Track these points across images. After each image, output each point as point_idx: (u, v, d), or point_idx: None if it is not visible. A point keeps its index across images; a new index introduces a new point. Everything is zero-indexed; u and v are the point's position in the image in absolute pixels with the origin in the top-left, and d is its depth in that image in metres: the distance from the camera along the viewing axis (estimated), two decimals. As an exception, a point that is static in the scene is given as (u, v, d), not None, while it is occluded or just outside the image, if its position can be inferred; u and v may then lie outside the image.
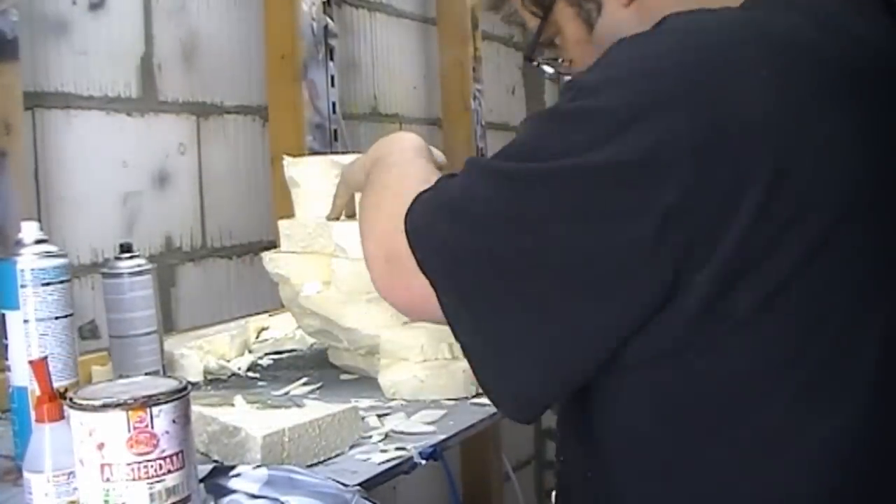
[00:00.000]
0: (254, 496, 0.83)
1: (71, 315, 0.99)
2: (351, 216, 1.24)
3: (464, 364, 1.01)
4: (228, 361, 1.40)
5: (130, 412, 0.68)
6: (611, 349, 0.73)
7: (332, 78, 1.91)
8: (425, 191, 0.81)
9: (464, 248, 0.75)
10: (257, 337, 1.57)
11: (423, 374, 1.19)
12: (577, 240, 0.70)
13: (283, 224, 1.37)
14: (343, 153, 1.81)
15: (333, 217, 1.24)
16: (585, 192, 0.70)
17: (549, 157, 0.72)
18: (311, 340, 1.47)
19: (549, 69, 1.00)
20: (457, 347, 0.86)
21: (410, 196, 0.82)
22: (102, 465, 0.69)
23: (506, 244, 0.73)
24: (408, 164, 0.97)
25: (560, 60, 0.98)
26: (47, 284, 0.96)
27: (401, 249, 0.79)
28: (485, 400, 1.08)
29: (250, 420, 0.98)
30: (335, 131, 1.91)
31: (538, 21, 0.93)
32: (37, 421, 0.80)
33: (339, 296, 1.29)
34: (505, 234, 0.73)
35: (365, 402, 1.16)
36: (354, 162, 1.14)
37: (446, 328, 0.79)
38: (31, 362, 0.88)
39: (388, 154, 1.01)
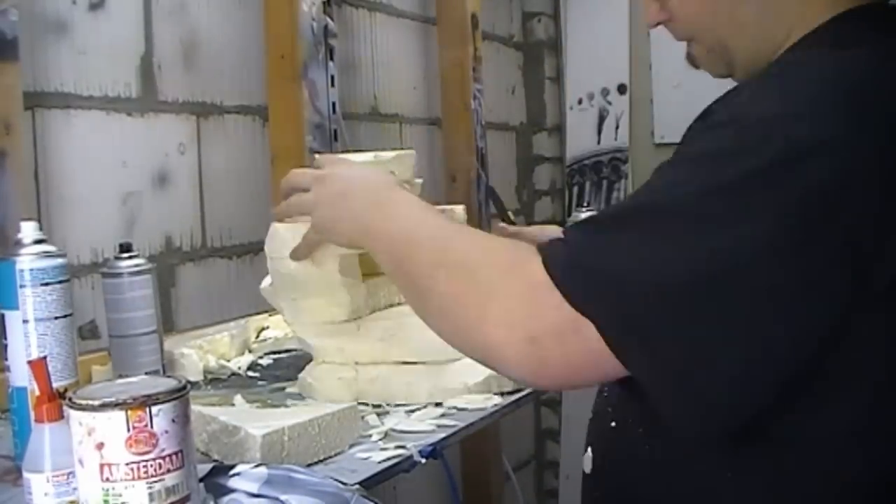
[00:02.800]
0: (253, 495, 0.83)
1: (71, 315, 0.99)
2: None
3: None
4: (228, 361, 1.40)
5: (130, 412, 0.68)
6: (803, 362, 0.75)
7: (332, 78, 1.91)
8: (567, 262, 0.78)
9: (664, 291, 0.74)
10: (257, 337, 1.57)
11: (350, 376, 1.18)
12: (774, 263, 0.72)
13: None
14: (344, 152, 1.81)
15: (297, 258, 1.18)
16: (778, 220, 0.72)
17: (735, 187, 0.73)
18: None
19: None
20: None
21: (493, 270, 0.81)
22: (102, 465, 0.69)
23: (706, 278, 0.73)
24: (425, 226, 0.93)
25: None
26: (47, 284, 0.96)
27: (555, 328, 0.76)
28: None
29: (250, 419, 0.98)
30: (335, 131, 1.91)
31: None
32: (36, 421, 0.80)
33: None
34: (705, 268, 0.73)
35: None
36: (327, 208, 1.06)
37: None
38: (30, 362, 0.88)
39: (378, 213, 0.97)
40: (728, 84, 0.98)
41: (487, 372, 1.16)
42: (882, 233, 0.73)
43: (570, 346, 0.76)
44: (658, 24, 1.00)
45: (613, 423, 0.94)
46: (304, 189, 1.10)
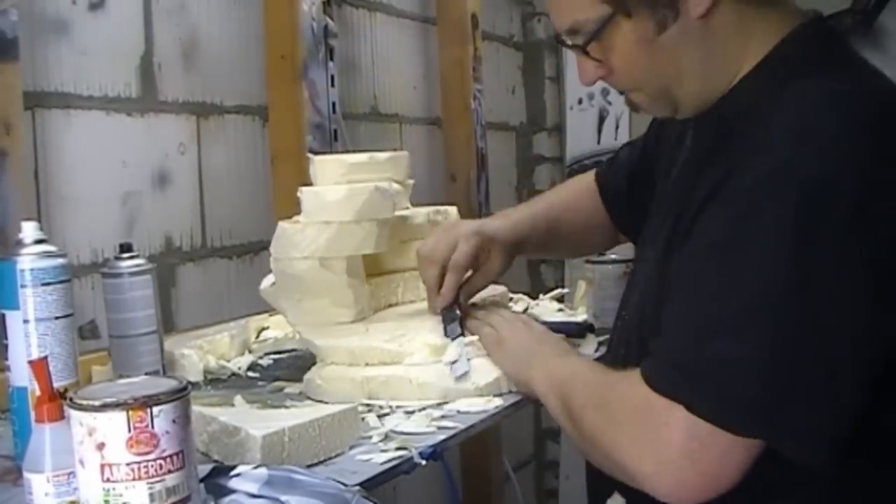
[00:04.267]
0: (254, 496, 0.83)
1: (71, 315, 0.99)
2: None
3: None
4: (228, 361, 1.40)
5: (130, 412, 0.68)
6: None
7: (332, 78, 1.91)
8: (669, 373, 0.84)
9: (783, 388, 0.81)
10: (257, 337, 1.57)
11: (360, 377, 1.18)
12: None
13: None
14: (344, 152, 1.81)
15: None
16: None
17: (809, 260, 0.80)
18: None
19: (576, 48, 1.01)
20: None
21: (624, 411, 0.89)
22: (102, 465, 0.69)
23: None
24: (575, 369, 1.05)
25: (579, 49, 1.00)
26: (47, 284, 0.96)
27: (676, 446, 0.83)
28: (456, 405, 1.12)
29: (250, 420, 0.98)
30: (335, 131, 1.91)
31: (596, 10, 0.94)
32: (37, 421, 0.80)
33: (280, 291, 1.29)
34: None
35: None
36: (515, 366, 1.15)
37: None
38: (30, 362, 0.88)
39: (554, 381, 1.05)
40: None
41: (497, 372, 1.16)
42: None
43: (696, 455, 0.82)
44: (596, 81, 1.02)
45: None
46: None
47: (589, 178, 1.41)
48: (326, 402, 1.15)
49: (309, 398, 1.20)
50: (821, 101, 0.84)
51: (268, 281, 1.30)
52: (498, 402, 1.16)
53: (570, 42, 1.00)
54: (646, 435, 0.85)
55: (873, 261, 0.80)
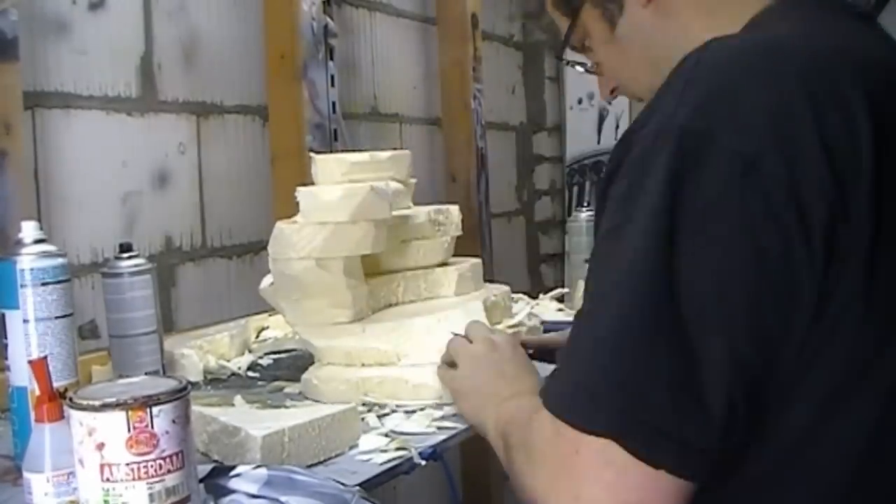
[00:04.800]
0: (254, 496, 0.83)
1: (71, 315, 0.99)
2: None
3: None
4: (228, 361, 1.40)
5: (130, 412, 0.68)
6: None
7: (332, 78, 1.91)
8: (565, 396, 0.73)
9: (641, 387, 0.69)
10: (257, 337, 1.57)
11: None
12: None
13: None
14: (342, 152, 1.81)
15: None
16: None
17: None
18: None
19: (579, 68, 1.04)
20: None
21: (537, 450, 0.77)
22: (102, 465, 0.69)
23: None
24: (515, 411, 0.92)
25: (590, 64, 1.03)
26: (47, 284, 0.96)
27: (586, 479, 0.70)
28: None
29: (250, 420, 0.98)
30: (335, 131, 1.91)
31: (566, 24, 0.97)
32: (36, 421, 0.80)
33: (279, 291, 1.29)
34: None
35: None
36: (474, 411, 1.04)
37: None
38: (30, 362, 0.88)
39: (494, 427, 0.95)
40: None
41: None
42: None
43: (614, 480, 0.69)
44: (612, 93, 1.02)
45: None
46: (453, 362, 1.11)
47: None
48: (324, 403, 1.15)
49: (307, 398, 1.20)
50: (707, 56, 0.75)
51: (267, 281, 1.31)
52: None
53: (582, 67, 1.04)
54: (560, 472, 0.73)
55: (753, 225, 0.68)
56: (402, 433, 1.05)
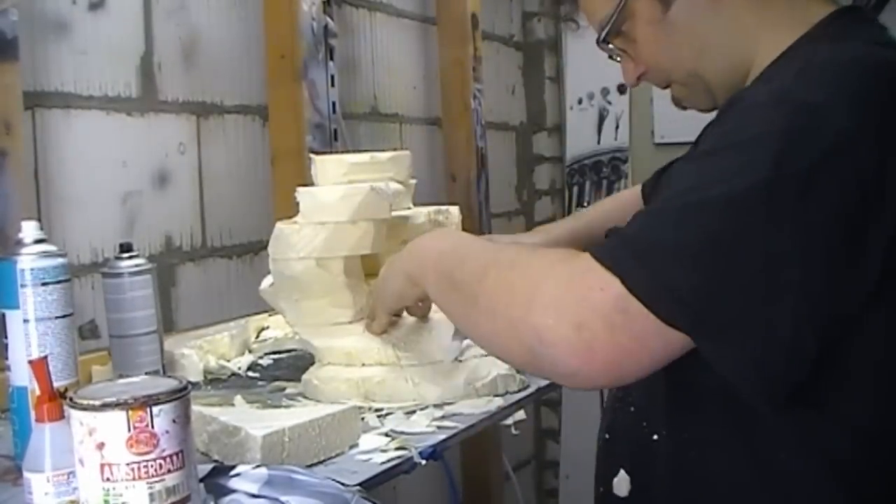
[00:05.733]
0: (254, 496, 0.83)
1: (71, 315, 0.99)
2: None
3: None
4: (228, 361, 1.40)
5: (130, 412, 0.68)
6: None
7: (332, 78, 1.91)
8: (620, 250, 0.79)
9: (721, 287, 0.76)
10: (257, 337, 1.57)
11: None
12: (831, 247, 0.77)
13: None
14: (344, 152, 1.81)
15: (378, 332, 1.19)
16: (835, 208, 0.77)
17: (796, 178, 0.77)
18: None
19: (610, 49, 1.03)
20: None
21: (542, 262, 0.83)
22: (102, 465, 0.69)
23: (765, 257, 0.76)
24: (473, 240, 0.99)
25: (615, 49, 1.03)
26: (47, 284, 0.96)
27: (603, 311, 0.76)
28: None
29: (250, 419, 0.98)
30: (335, 131, 1.91)
31: (610, 2, 0.98)
32: (37, 421, 0.80)
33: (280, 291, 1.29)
34: (764, 249, 0.76)
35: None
36: (384, 285, 1.13)
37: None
38: (30, 362, 0.88)
39: (438, 254, 0.98)
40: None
41: (494, 372, 1.16)
42: None
43: (617, 328, 0.76)
44: (639, 79, 1.03)
45: (655, 437, 0.94)
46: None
47: (635, 189, 1.40)
48: (324, 402, 1.15)
49: (307, 398, 1.20)
50: (827, 59, 0.84)
51: (267, 281, 1.31)
52: (499, 401, 1.16)
53: (605, 47, 1.03)
54: (572, 294, 0.78)
55: (846, 204, 0.77)
56: (401, 433, 1.05)
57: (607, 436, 1.03)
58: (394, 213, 1.34)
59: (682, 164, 0.87)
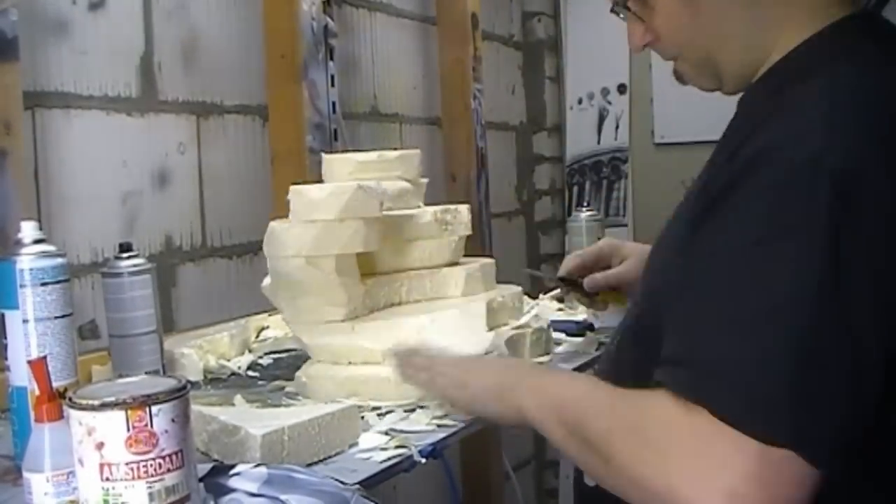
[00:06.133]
0: (253, 495, 0.83)
1: (70, 315, 0.99)
2: None
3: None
4: (228, 361, 1.40)
5: (130, 411, 0.68)
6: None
7: (332, 78, 1.91)
8: (727, 390, 0.75)
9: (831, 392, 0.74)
10: (257, 336, 1.57)
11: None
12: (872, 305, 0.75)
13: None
14: (344, 152, 1.81)
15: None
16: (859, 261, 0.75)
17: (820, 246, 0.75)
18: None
19: (626, 10, 1.00)
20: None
21: (659, 431, 0.78)
22: (102, 465, 0.69)
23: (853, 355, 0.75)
24: (569, 385, 0.93)
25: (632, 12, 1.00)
26: (46, 284, 0.96)
27: (743, 474, 0.72)
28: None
29: (250, 419, 0.98)
30: (335, 131, 1.91)
31: None
32: (36, 421, 0.80)
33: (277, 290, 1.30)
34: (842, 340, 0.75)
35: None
36: (471, 395, 1.03)
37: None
38: (30, 362, 0.88)
39: (562, 402, 0.90)
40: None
41: None
42: None
43: (771, 482, 0.73)
44: (645, 46, 1.01)
45: None
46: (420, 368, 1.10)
47: None
48: (313, 400, 1.16)
49: (299, 395, 1.20)
50: (851, 94, 0.81)
51: (268, 279, 1.31)
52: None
53: (619, 7, 1.00)
54: (710, 462, 0.74)
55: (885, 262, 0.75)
56: (400, 431, 1.05)
57: None
58: (400, 212, 1.34)
59: (711, 256, 0.81)
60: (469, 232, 1.45)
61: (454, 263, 1.42)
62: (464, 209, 1.44)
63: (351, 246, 1.22)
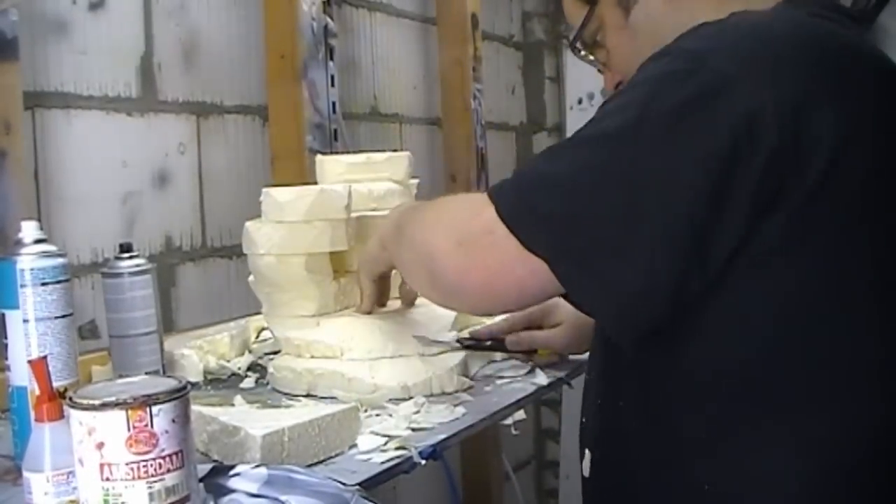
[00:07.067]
0: (253, 495, 0.83)
1: (71, 315, 0.99)
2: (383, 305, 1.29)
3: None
4: (228, 361, 1.40)
5: (130, 411, 0.68)
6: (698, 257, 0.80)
7: (332, 78, 1.91)
8: (506, 181, 0.87)
9: (581, 213, 0.81)
10: (257, 337, 1.57)
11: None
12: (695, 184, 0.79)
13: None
14: (344, 152, 1.81)
15: (366, 311, 1.26)
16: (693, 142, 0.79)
17: (668, 113, 0.80)
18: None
19: (591, 60, 1.08)
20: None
21: (465, 202, 0.95)
22: (102, 465, 0.69)
23: (631, 193, 0.80)
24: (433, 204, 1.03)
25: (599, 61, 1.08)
26: (47, 284, 0.96)
27: (476, 232, 0.87)
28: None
29: (250, 419, 0.98)
30: (335, 131, 1.91)
31: (582, 14, 1.03)
32: (36, 420, 0.80)
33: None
34: (631, 184, 0.80)
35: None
36: (364, 251, 1.21)
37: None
38: (30, 362, 0.88)
39: (403, 218, 1.06)
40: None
41: (429, 373, 1.18)
42: (779, 168, 0.78)
43: (486, 248, 0.85)
44: (617, 87, 1.05)
45: (609, 424, 0.97)
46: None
47: None
48: (281, 392, 1.22)
49: (305, 398, 1.21)
50: (736, 24, 0.86)
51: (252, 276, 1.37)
52: (498, 400, 1.16)
53: (579, 57, 1.09)
54: (460, 217, 0.91)
55: (716, 146, 0.78)
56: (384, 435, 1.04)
57: (583, 419, 1.05)
58: (384, 213, 1.38)
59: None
60: None
61: None
62: None
63: (318, 245, 1.28)
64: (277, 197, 1.29)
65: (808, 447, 0.83)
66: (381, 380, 1.17)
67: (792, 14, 0.89)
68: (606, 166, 0.81)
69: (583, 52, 1.07)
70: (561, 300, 1.39)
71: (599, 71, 1.09)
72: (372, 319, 1.26)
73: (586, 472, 1.01)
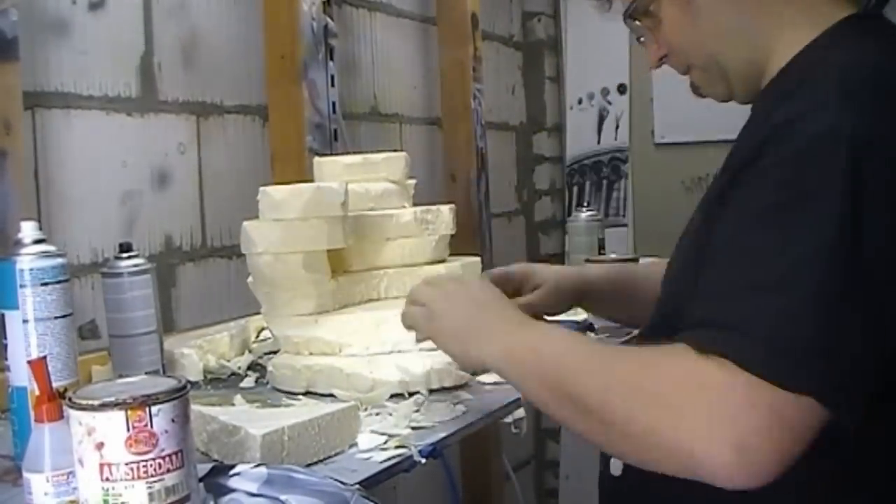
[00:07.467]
0: (253, 495, 0.83)
1: (70, 315, 0.99)
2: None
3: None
4: (228, 361, 1.40)
5: (129, 411, 0.68)
6: None
7: (332, 78, 1.91)
8: (745, 340, 0.77)
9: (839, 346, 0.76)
10: (257, 336, 1.57)
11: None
12: None
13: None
14: (344, 153, 1.81)
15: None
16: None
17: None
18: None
19: (637, 26, 1.04)
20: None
21: (666, 387, 0.79)
22: (102, 465, 0.69)
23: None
24: (573, 348, 0.91)
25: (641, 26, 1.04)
26: (46, 284, 0.96)
27: (752, 426, 0.74)
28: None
29: (250, 419, 0.98)
30: (335, 131, 1.91)
31: None
32: (36, 421, 0.80)
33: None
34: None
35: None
36: (454, 355, 1.04)
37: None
38: (30, 362, 0.88)
39: (538, 357, 0.91)
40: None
41: (427, 368, 1.18)
42: None
43: (781, 436, 0.75)
44: (661, 61, 1.04)
45: None
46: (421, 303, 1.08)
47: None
48: (280, 391, 1.22)
49: (303, 396, 1.21)
50: (864, 70, 0.84)
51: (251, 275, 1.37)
52: (498, 399, 1.16)
53: (630, 22, 1.05)
54: (712, 415, 0.75)
55: None
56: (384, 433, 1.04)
57: None
58: (382, 212, 1.42)
59: (734, 227, 0.84)
60: (451, 231, 1.50)
61: (438, 262, 1.48)
62: (445, 209, 1.49)
63: (315, 243, 1.28)
64: (273, 194, 1.29)
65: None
66: (379, 375, 1.17)
67: None
68: (839, 292, 0.76)
69: (630, 17, 1.03)
70: (537, 264, 1.40)
71: (639, 41, 1.06)
72: (370, 316, 1.27)
73: (616, 472, 1.00)
